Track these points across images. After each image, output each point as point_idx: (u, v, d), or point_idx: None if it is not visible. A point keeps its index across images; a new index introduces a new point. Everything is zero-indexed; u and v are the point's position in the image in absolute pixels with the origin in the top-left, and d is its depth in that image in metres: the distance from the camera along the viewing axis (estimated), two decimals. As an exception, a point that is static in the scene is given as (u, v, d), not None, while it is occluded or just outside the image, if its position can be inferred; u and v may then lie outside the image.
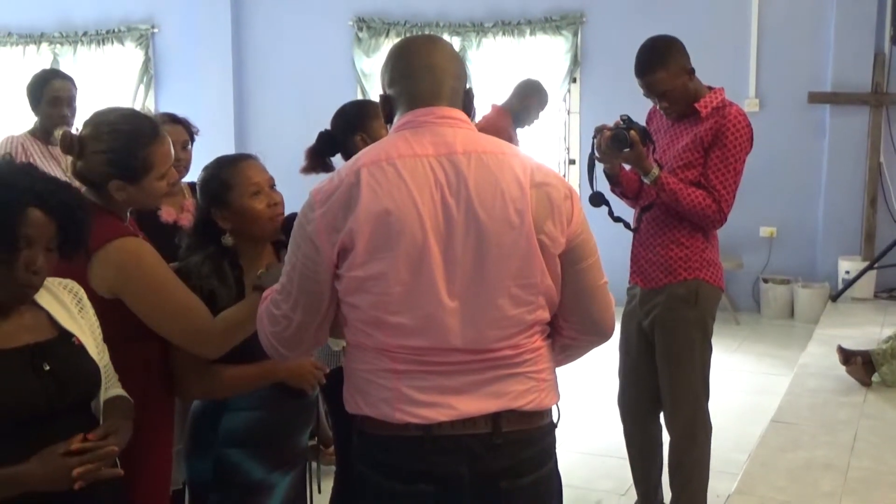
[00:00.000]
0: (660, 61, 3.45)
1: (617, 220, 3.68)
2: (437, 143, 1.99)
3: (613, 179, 3.67)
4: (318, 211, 1.95)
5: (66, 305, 2.21)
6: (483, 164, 1.98)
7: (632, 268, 3.70)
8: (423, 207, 1.93)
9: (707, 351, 3.67)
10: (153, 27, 9.66)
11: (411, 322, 1.94)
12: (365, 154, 2.00)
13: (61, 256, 2.15)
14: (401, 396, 1.97)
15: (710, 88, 3.58)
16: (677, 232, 3.57)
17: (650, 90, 3.52)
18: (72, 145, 2.43)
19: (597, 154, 3.54)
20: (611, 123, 3.51)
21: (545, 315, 2.07)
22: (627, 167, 3.65)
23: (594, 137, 3.53)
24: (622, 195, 3.73)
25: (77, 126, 4.37)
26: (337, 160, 3.36)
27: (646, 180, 3.53)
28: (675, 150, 3.57)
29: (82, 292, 2.27)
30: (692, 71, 3.52)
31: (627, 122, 3.48)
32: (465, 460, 1.99)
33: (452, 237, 1.94)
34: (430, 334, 1.95)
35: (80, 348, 2.17)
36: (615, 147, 3.45)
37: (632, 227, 3.74)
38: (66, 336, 2.16)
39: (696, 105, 3.52)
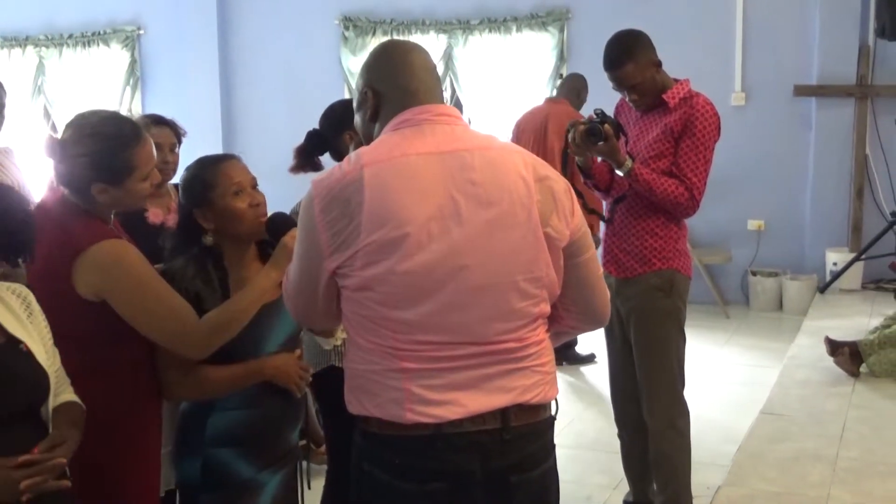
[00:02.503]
0: (628, 55, 3.53)
1: (591, 211, 3.74)
2: (439, 141, 2.00)
3: (586, 172, 3.73)
4: (317, 207, 1.96)
5: (14, 311, 2.19)
6: (487, 160, 1.99)
7: (605, 257, 3.75)
8: (430, 206, 1.93)
9: (682, 339, 3.72)
10: (139, 29, 9.64)
11: (420, 318, 1.95)
12: (367, 153, 2.00)
13: (6, 261, 2.14)
14: (411, 396, 1.97)
15: (676, 80, 3.64)
16: (652, 222, 3.63)
17: (620, 83, 3.59)
18: (53, 149, 2.43)
19: (571, 147, 3.59)
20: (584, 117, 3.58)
21: (547, 308, 2.10)
22: (599, 159, 3.70)
23: (568, 131, 3.59)
24: (594, 187, 3.80)
25: (57, 125, 4.29)
26: (326, 159, 3.37)
27: (620, 172, 3.59)
28: (646, 141, 3.64)
29: (31, 297, 2.25)
30: (659, 63, 3.60)
31: (601, 116, 3.56)
32: (477, 457, 2.00)
33: (460, 234, 1.94)
34: (439, 330, 1.96)
35: (28, 355, 2.15)
36: (589, 140, 3.51)
37: (604, 217, 3.78)
38: (13, 342, 2.14)
39: (664, 96, 3.60)
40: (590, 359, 6.53)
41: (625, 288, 3.68)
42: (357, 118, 2.19)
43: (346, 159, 2.02)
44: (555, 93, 7.55)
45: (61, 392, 2.28)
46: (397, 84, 2.08)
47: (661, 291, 3.63)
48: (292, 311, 2.22)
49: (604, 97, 3.94)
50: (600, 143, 3.50)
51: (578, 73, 6.83)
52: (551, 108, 6.58)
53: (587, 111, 3.86)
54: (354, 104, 2.20)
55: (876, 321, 5.66)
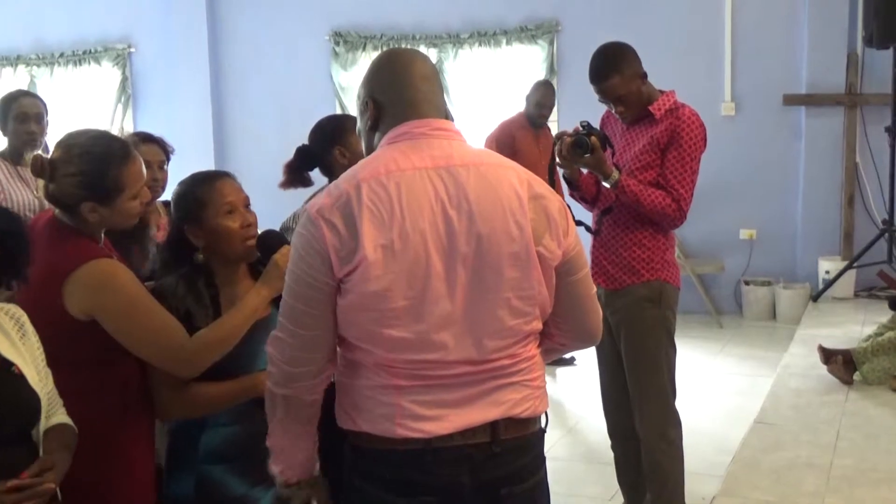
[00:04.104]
0: (614, 67, 3.54)
1: (578, 223, 3.74)
2: (436, 156, 1.99)
3: (573, 184, 3.74)
4: (320, 222, 1.93)
5: (7, 332, 2.19)
6: (482, 176, 1.99)
7: (593, 269, 3.75)
8: (425, 222, 1.92)
9: (672, 350, 3.72)
10: (130, 46, 9.65)
11: (414, 336, 1.94)
12: (363, 168, 1.99)
13: (2, 284, 2.14)
14: (402, 412, 1.97)
15: (661, 92, 3.65)
16: (639, 234, 3.65)
17: (606, 95, 3.61)
18: (43, 168, 2.44)
19: (557, 160, 3.60)
20: (570, 129, 3.59)
21: (539, 325, 2.09)
22: (586, 172, 3.71)
23: (554, 144, 3.61)
24: (581, 199, 3.81)
25: (48, 145, 4.33)
26: (315, 175, 3.37)
27: (606, 184, 3.61)
28: (633, 153, 3.66)
29: (24, 318, 2.24)
30: (645, 75, 3.61)
31: (587, 128, 3.56)
32: (466, 470, 2.00)
33: (454, 250, 1.94)
34: (433, 348, 1.95)
35: (20, 378, 2.14)
36: (576, 153, 3.53)
37: (592, 229, 3.79)
38: (5, 365, 2.13)
39: (650, 108, 3.61)
40: (569, 361, 6.67)
41: (614, 299, 3.68)
42: (359, 125, 2.19)
43: (342, 176, 2.02)
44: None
45: (53, 414, 2.27)
46: (397, 95, 2.08)
47: (649, 302, 3.64)
48: (284, 371, 2.04)
49: (592, 109, 3.93)
50: (587, 155, 3.52)
51: (540, 80, 6.94)
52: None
53: (573, 119, 3.85)
54: (357, 112, 2.20)
55: (869, 329, 5.66)
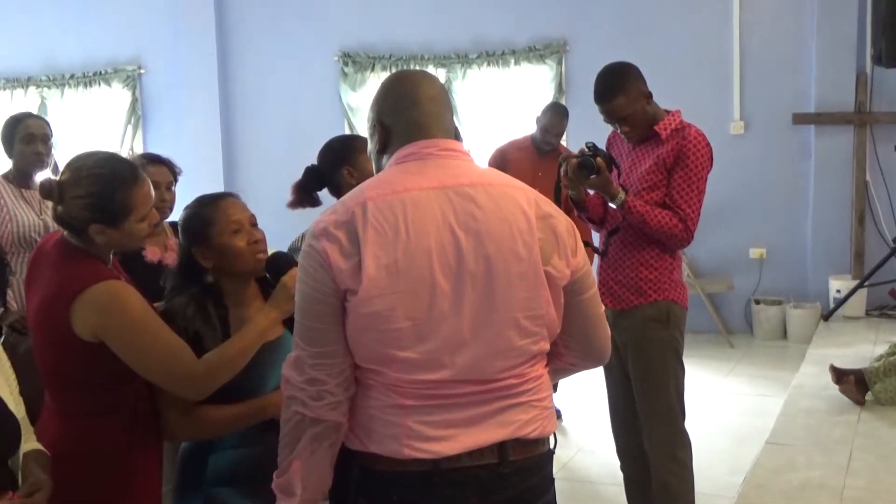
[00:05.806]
0: (619, 87, 3.55)
1: (585, 244, 3.74)
2: (443, 176, 1.99)
3: (580, 205, 3.74)
4: (324, 239, 1.93)
5: None
6: (490, 197, 1.99)
7: (600, 289, 3.73)
8: (431, 242, 1.92)
9: (680, 370, 3.71)
10: (140, 68, 9.69)
11: (421, 357, 1.93)
12: (370, 187, 1.99)
13: None
14: (409, 432, 1.96)
15: (667, 111, 3.65)
16: (646, 254, 3.64)
17: (611, 116, 3.61)
18: (51, 190, 2.44)
19: (564, 181, 3.59)
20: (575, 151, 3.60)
21: (546, 346, 2.09)
22: (592, 192, 3.70)
23: (560, 165, 3.60)
24: (588, 220, 3.81)
25: (59, 165, 4.33)
26: (324, 195, 3.37)
27: (613, 205, 3.61)
28: (639, 173, 3.65)
29: None
30: (650, 94, 3.61)
31: (593, 149, 3.57)
32: (475, 492, 1.99)
33: (462, 270, 1.93)
34: (441, 368, 1.94)
35: (1, 404, 2.14)
36: (582, 174, 3.53)
37: (599, 250, 3.78)
38: None
39: (656, 128, 3.61)
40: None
41: (621, 320, 3.67)
42: (370, 147, 2.19)
43: (349, 194, 2.02)
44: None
45: (27, 440, 2.27)
46: (404, 118, 2.08)
47: (657, 322, 3.63)
48: (307, 392, 2.00)
49: (600, 129, 3.93)
50: (593, 176, 3.52)
51: (552, 104, 6.59)
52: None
53: (581, 139, 3.84)
54: (367, 134, 2.20)
55: (881, 348, 5.62)
